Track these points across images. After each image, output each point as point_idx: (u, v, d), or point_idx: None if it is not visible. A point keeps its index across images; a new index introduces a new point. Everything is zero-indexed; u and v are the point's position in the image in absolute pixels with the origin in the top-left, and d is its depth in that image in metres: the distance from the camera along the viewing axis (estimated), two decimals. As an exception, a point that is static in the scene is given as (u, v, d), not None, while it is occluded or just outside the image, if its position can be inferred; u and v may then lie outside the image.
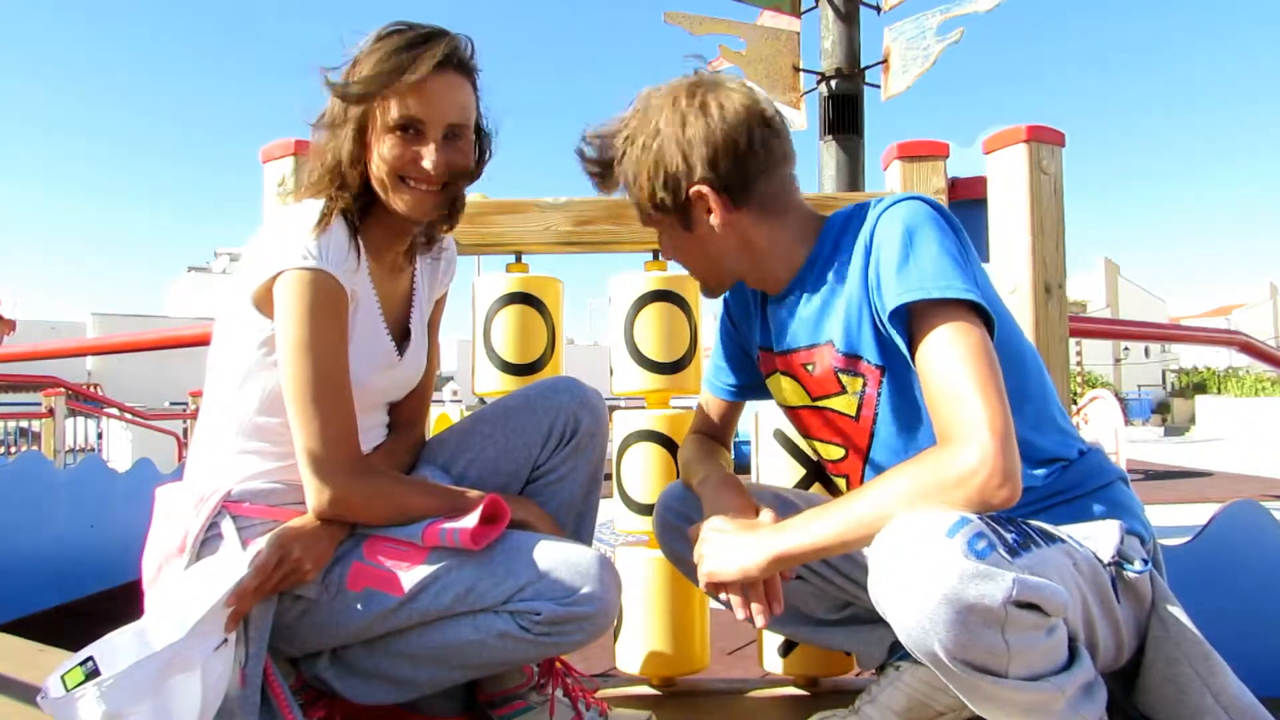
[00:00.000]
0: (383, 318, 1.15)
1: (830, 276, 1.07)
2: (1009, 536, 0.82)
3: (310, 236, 1.02)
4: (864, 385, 1.07)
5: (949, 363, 0.92)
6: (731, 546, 0.99)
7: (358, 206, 1.09)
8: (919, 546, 0.80)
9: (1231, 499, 1.50)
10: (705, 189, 1.04)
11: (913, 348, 0.97)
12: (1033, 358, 1.09)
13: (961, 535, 0.79)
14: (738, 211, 1.07)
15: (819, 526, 0.93)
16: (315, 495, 1.03)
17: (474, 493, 1.11)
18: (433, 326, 1.30)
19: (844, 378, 1.09)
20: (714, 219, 1.07)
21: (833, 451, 1.17)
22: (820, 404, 1.14)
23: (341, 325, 1.04)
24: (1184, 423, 21.13)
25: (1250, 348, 4.18)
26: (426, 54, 1.03)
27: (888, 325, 0.98)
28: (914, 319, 0.97)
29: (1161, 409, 23.95)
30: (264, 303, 1.04)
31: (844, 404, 1.10)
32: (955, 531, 0.79)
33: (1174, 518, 4.56)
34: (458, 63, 1.08)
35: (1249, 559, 1.44)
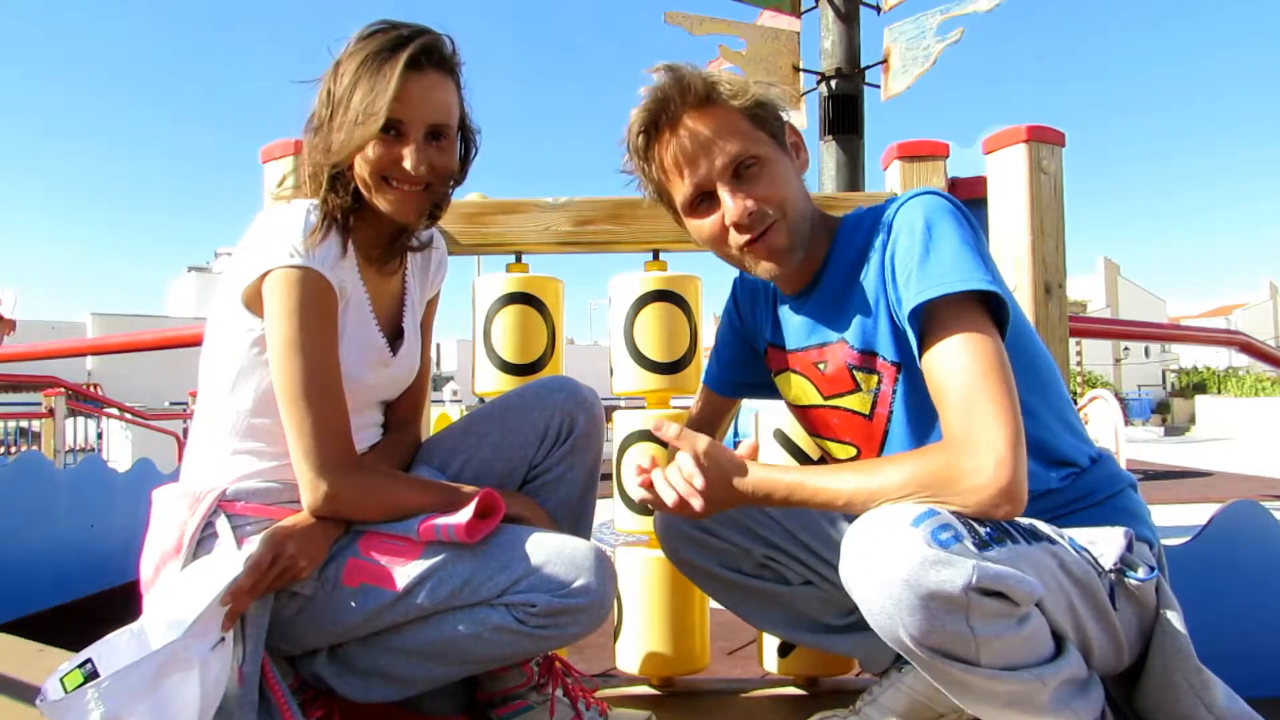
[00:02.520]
0: (374, 315, 1.15)
1: (845, 274, 1.07)
2: (982, 531, 0.83)
3: (297, 235, 1.02)
4: (879, 383, 1.06)
5: (963, 368, 0.91)
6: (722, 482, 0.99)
7: (347, 205, 1.09)
8: (883, 534, 0.82)
9: (1231, 499, 1.50)
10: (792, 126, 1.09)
11: (923, 346, 0.96)
12: (1046, 360, 1.09)
13: (925, 526, 0.81)
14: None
15: (821, 481, 0.94)
16: (310, 492, 1.03)
17: (468, 487, 1.11)
18: (425, 326, 1.30)
19: (859, 375, 1.08)
20: (801, 157, 1.10)
21: (844, 451, 1.17)
22: (832, 403, 1.13)
23: (331, 322, 1.04)
24: (1184, 423, 21.13)
25: (1250, 348, 4.19)
26: (402, 57, 1.03)
27: (905, 321, 0.97)
28: (929, 316, 0.96)
29: (1161, 409, 23.94)
30: (254, 303, 1.05)
31: (857, 402, 1.10)
32: (920, 522, 0.81)
33: (1174, 518, 4.56)
34: (438, 61, 1.07)
35: (1249, 559, 1.44)
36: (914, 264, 0.96)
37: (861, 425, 1.11)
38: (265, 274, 1.02)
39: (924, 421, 1.05)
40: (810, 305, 1.12)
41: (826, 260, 1.10)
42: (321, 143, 1.07)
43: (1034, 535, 0.89)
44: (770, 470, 0.98)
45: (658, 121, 1.05)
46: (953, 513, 0.84)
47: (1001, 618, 0.80)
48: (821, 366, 1.12)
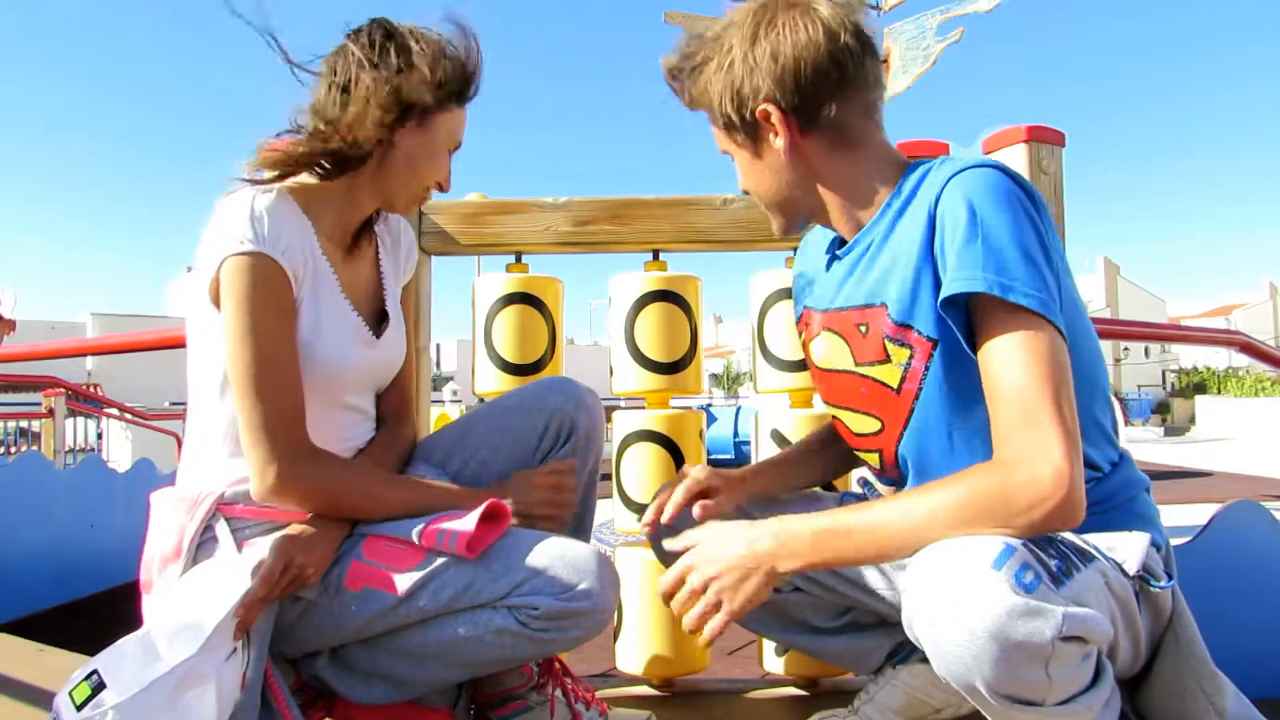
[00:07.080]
0: (345, 295, 1.16)
1: (897, 233, 1.00)
2: (1052, 563, 0.79)
3: (244, 222, 1.03)
4: (910, 357, 0.99)
5: (1020, 370, 0.86)
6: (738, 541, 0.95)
7: (328, 175, 1.12)
8: (963, 579, 0.76)
9: (1231, 499, 1.50)
10: (771, 108, 0.99)
11: (978, 339, 0.91)
12: (1088, 353, 0.99)
13: (1008, 568, 0.75)
14: (807, 137, 1.01)
15: (857, 523, 0.88)
16: (258, 478, 1.02)
17: (439, 484, 1.12)
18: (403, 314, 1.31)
19: (890, 346, 1.01)
20: (780, 142, 1.01)
21: (865, 424, 1.09)
22: (862, 370, 1.07)
23: (282, 307, 1.04)
24: (1184, 423, 21.13)
25: (1250, 348, 4.19)
26: (473, 86, 1.15)
27: (941, 307, 0.92)
28: (979, 309, 0.91)
29: (1161, 409, 23.95)
30: (219, 297, 1.04)
31: (886, 374, 1.03)
32: (1002, 563, 0.75)
33: (1174, 518, 4.55)
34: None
35: (1249, 559, 1.44)
36: (956, 251, 0.90)
37: (890, 399, 1.04)
38: (220, 266, 1.02)
39: (955, 403, 0.98)
40: (860, 261, 1.05)
41: (883, 211, 1.02)
42: (342, 120, 1.08)
43: (1084, 555, 0.85)
44: (788, 521, 0.92)
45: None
46: (1023, 544, 0.79)
47: (1075, 660, 0.77)
48: (863, 329, 1.05)
